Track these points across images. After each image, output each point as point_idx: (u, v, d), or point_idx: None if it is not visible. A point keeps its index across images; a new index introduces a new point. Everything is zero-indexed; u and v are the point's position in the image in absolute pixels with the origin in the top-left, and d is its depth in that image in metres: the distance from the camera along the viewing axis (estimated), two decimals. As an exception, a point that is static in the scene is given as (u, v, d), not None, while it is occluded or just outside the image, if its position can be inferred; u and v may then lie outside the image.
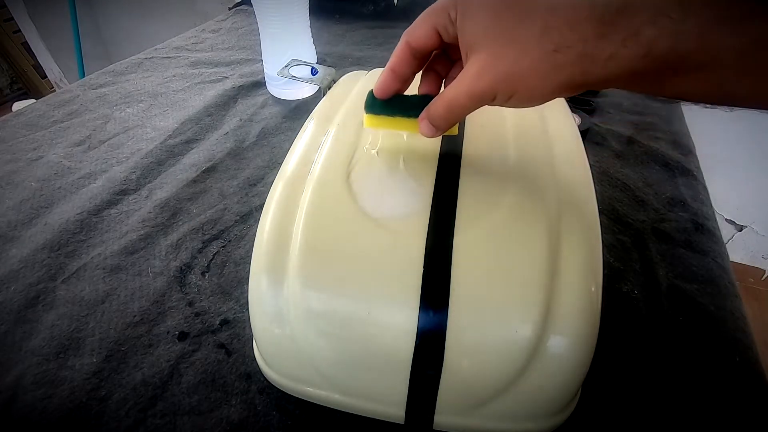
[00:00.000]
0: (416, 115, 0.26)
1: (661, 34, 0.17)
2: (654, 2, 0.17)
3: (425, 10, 0.25)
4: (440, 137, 0.30)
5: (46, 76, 1.89)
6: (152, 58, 0.78)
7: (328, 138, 0.32)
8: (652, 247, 0.41)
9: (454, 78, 0.24)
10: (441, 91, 0.25)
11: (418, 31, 0.24)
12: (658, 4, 0.17)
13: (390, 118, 0.28)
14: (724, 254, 0.41)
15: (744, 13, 0.16)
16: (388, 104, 0.28)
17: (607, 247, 0.40)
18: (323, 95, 0.39)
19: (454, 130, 0.29)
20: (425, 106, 0.26)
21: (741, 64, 0.17)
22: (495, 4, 0.21)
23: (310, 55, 0.66)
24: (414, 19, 0.25)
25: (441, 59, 0.28)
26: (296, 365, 0.26)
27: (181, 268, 0.39)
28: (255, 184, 0.49)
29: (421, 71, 0.28)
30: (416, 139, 0.31)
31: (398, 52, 0.26)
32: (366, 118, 0.29)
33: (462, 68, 0.23)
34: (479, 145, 0.30)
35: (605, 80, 0.20)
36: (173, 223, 0.44)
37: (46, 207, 0.45)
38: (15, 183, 0.48)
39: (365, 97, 0.28)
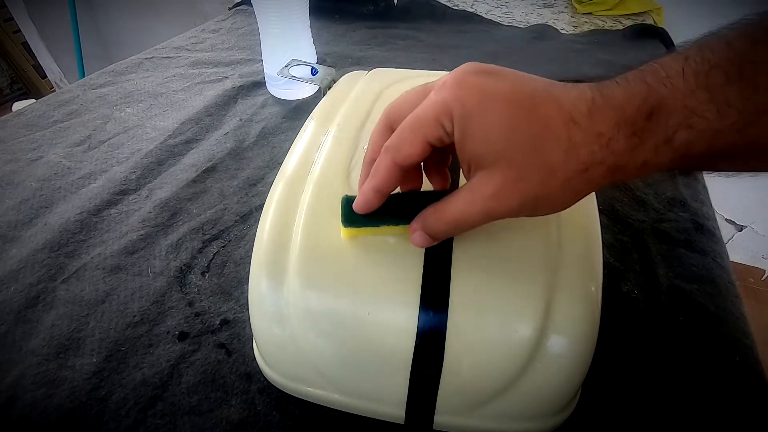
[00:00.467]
0: (406, 222, 0.23)
1: (699, 138, 0.16)
2: (686, 104, 0.16)
3: (408, 121, 0.21)
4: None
5: (46, 76, 1.89)
6: (152, 58, 0.78)
7: (328, 138, 0.32)
8: (652, 247, 0.41)
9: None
10: (438, 203, 0.22)
11: (407, 150, 0.21)
12: (692, 105, 0.16)
13: (374, 228, 0.25)
14: (724, 254, 0.41)
15: None
16: (371, 214, 0.24)
17: (607, 247, 0.40)
18: (323, 95, 0.39)
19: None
20: (413, 207, 0.23)
21: None
22: (504, 118, 0.19)
23: (310, 55, 0.66)
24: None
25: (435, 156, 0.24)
26: (296, 365, 0.26)
27: (181, 268, 0.39)
28: (255, 184, 0.49)
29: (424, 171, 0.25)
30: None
31: (384, 172, 0.22)
32: (343, 230, 0.25)
33: (466, 171, 0.21)
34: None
35: (638, 177, 0.19)
36: (173, 223, 0.44)
37: (46, 207, 0.45)
38: (15, 183, 0.48)
39: (341, 205, 0.25)
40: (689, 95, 0.16)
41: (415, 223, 0.23)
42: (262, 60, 0.66)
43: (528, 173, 0.19)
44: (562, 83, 0.20)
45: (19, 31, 1.77)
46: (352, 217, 0.24)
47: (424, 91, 0.22)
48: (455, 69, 0.21)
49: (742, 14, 0.17)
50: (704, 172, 0.20)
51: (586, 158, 0.18)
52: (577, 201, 0.20)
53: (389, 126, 0.23)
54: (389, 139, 0.22)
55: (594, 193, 0.28)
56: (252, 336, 0.30)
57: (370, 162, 0.24)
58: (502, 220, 0.24)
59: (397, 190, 0.24)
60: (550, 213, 0.21)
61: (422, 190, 0.25)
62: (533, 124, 0.18)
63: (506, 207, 0.20)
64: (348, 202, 0.25)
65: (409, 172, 0.24)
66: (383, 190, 0.23)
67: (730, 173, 0.19)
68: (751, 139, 0.16)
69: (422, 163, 0.25)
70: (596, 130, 0.18)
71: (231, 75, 0.71)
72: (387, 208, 0.24)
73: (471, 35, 0.85)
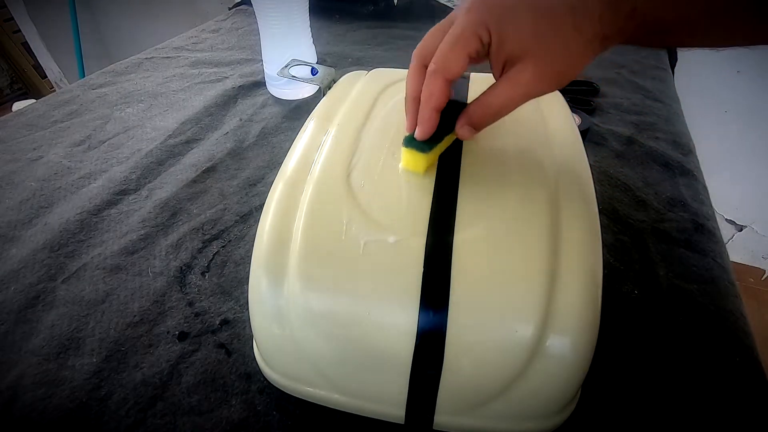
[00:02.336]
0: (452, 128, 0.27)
1: (652, 7, 0.22)
2: None
3: (449, 40, 0.25)
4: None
5: (46, 76, 1.89)
6: (152, 58, 0.78)
7: (328, 138, 0.32)
8: (652, 247, 0.41)
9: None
10: (478, 98, 0.26)
11: (454, 67, 0.25)
12: None
13: (441, 143, 0.28)
14: (724, 254, 0.41)
15: None
16: (432, 139, 0.27)
17: (607, 247, 0.40)
18: (323, 95, 0.39)
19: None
20: (456, 113, 0.27)
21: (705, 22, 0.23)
22: (529, 19, 0.24)
23: (310, 55, 0.66)
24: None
25: None
26: (296, 365, 0.26)
27: (181, 268, 0.39)
28: (255, 184, 0.49)
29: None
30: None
31: (440, 92, 0.26)
32: (423, 160, 0.27)
33: (498, 71, 0.25)
34: (479, 146, 0.30)
35: (615, 44, 0.25)
36: (173, 223, 0.44)
37: (46, 207, 0.45)
38: (15, 183, 0.48)
39: (406, 147, 0.28)
40: None
41: (462, 120, 0.27)
42: (262, 60, 0.66)
43: (553, 57, 0.24)
44: None
45: (19, 31, 1.77)
46: (422, 146, 0.27)
47: (446, 23, 0.26)
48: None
49: None
50: (664, 46, 0.26)
51: (589, 31, 0.23)
52: (582, 68, 0.25)
53: (423, 64, 0.27)
54: (432, 62, 0.25)
55: (594, 193, 0.28)
56: (252, 336, 0.30)
57: (414, 99, 0.28)
58: (501, 219, 0.24)
59: None
60: (567, 81, 0.25)
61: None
62: (550, 20, 0.23)
63: (542, 86, 0.25)
64: (409, 140, 0.28)
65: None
66: (441, 107, 0.26)
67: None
68: (686, 11, 0.22)
69: None
70: (590, 9, 0.23)
71: (231, 75, 0.71)
72: (443, 124, 0.27)
73: (471, 35, 0.85)
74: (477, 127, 0.27)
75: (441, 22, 0.27)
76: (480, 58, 0.25)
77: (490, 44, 0.24)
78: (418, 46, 0.27)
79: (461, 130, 0.27)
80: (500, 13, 0.24)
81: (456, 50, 0.25)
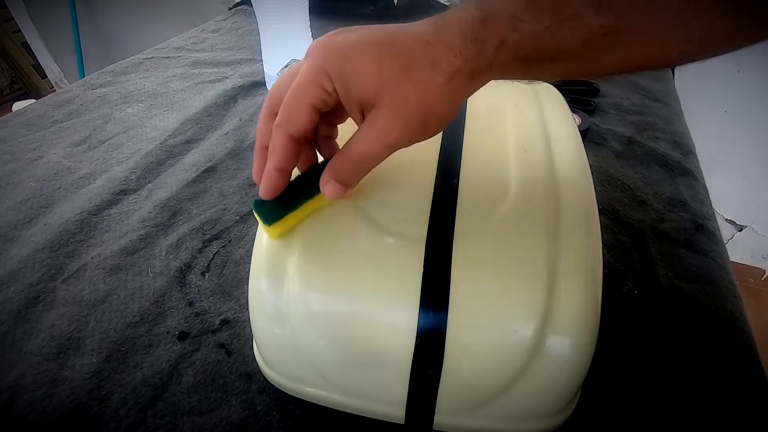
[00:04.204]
0: (319, 191, 0.24)
1: (524, 39, 0.20)
2: (509, 11, 0.20)
3: (291, 93, 0.22)
4: (440, 137, 0.30)
5: (46, 76, 1.89)
6: (152, 58, 0.78)
7: (328, 138, 0.32)
8: (652, 247, 0.41)
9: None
10: (341, 150, 0.23)
11: (296, 120, 0.22)
12: (514, 12, 0.19)
13: (298, 211, 0.25)
14: (724, 254, 0.41)
15: (580, 9, 0.18)
16: (284, 199, 0.24)
17: (607, 247, 0.40)
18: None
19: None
20: (319, 177, 0.24)
21: (585, 51, 0.20)
22: (373, 57, 0.21)
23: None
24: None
25: (325, 123, 0.26)
26: (296, 365, 0.26)
27: (181, 268, 0.39)
28: (255, 184, 0.49)
29: (315, 142, 0.27)
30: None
31: (281, 149, 0.23)
32: (269, 230, 0.25)
33: (358, 118, 0.23)
34: (479, 146, 0.30)
35: (492, 78, 0.22)
36: (173, 223, 0.44)
37: (46, 207, 0.45)
38: (15, 183, 0.48)
39: (254, 211, 0.25)
40: (512, 4, 0.20)
41: (325, 176, 0.24)
42: (262, 60, 0.66)
43: (406, 97, 0.21)
44: (405, 24, 0.23)
45: (19, 31, 1.77)
46: (269, 214, 0.24)
47: (295, 70, 0.23)
48: (313, 42, 0.23)
49: None
50: (543, 76, 0.24)
51: (448, 68, 0.21)
52: (454, 110, 0.23)
53: (272, 111, 0.24)
54: (278, 116, 0.23)
55: (594, 193, 0.28)
56: (252, 336, 0.30)
57: (261, 149, 0.25)
58: (501, 219, 0.24)
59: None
60: (439, 128, 0.23)
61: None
62: (397, 57, 0.21)
63: (399, 133, 0.22)
64: (258, 203, 0.24)
65: (304, 149, 0.26)
66: (285, 167, 0.24)
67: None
68: (561, 41, 0.19)
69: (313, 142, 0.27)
70: (447, 43, 0.21)
71: (231, 75, 0.71)
72: (295, 190, 0.25)
73: (471, 35, 0.85)
74: (344, 183, 0.24)
75: (290, 68, 0.24)
76: (333, 107, 0.23)
77: (336, 92, 0.22)
78: (269, 93, 0.25)
79: (325, 187, 0.24)
80: (341, 55, 0.22)
81: (298, 103, 0.22)
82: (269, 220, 0.24)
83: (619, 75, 0.23)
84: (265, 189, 0.24)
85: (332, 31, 0.23)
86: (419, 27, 0.22)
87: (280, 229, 0.25)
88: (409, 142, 0.23)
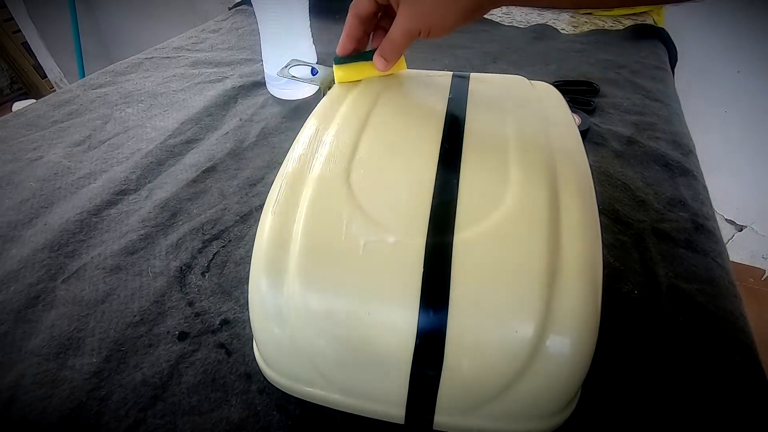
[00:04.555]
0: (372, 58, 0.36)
1: None
2: None
3: None
4: (441, 135, 0.30)
5: (46, 76, 1.89)
6: (152, 58, 0.78)
7: (328, 138, 0.32)
8: (652, 247, 0.41)
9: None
10: (385, 36, 0.34)
11: (361, 4, 0.34)
12: None
13: (355, 64, 0.37)
14: (724, 254, 0.41)
15: None
16: (351, 58, 0.37)
17: (607, 247, 0.40)
18: (323, 95, 0.39)
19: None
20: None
21: None
22: None
23: (310, 55, 0.66)
24: None
25: (385, 19, 0.37)
26: (296, 365, 0.26)
27: (181, 268, 0.39)
28: (255, 184, 0.49)
29: (373, 33, 0.38)
30: (416, 138, 0.31)
31: (349, 22, 0.35)
32: (336, 70, 0.37)
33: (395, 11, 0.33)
34: (479, 145, 0.30)
35: (494, 6, 0.32)
36: (173, 223, 0.44)
37: (46, 207, 0.45)
38: (15, 183, 0.48)
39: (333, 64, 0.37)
40: None
41: (376, 52, 0.36)
42: (262, 60, 0.66)
43: (420, 3, 0.31)
44: None
45: (19, 31, 1.77)
46: (339, 60, 0.37)
47: None
48: None
49: (741, 14, 0.18)
50: (551, 2, 0.32)
51: None
52: (454, 20, 0.31)
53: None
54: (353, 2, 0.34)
55: (594, 193, 0.28)
56: (252, 336, 0.30)
57: (345, 34, 0.37)
58: (501, 219, 0.24)
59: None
60: (443, 33, 0.32)
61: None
62: None
63: (411, 24, 0.32)
64: (336, 59, 0.37)
65: (377, 33, 0.38)
66: (352, 34, 0.36)
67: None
68: None
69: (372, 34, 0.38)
70: None
71: (231, 75, 0.71)
72: (362, 55, 0.37)
73: (471, 35, 0.85)
74: (386, 58, 0.35)
75: None
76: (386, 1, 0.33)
77: None
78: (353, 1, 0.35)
79: (376, 60, 0.36)
80: None
81: None
82: (338, 62, 0.37)
83: (628, 5, 0.29)
84: (339, 48, 0.37)
85: None
86: None
87: (344, 73, 0.37)
88: (420, 36, 0.32)
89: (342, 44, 0.36)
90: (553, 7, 0.39)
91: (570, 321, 0.22)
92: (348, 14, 0.35)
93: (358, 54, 0.37)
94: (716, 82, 1.04)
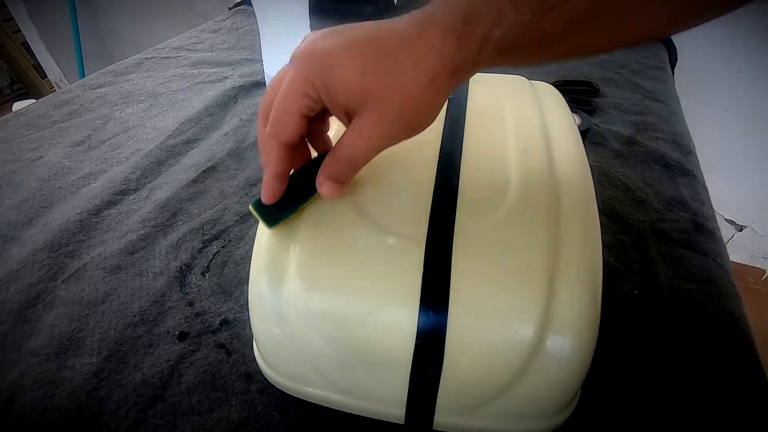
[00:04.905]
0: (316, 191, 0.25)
1: (508, 33, 0.20)
2: (492, 7, 0.19)
3: (278, 103, 0.23)
4: (440, 137, 0.30)
5: (46, 76, 1.89)
6: (152, 58, 0.78)
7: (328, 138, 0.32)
8: (652, 247, 0.41)
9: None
10: (332, 151, 0.24)
11: (287, 129, 0.23)
12: (498, 6, 0.19)
13: (298, 212, 0.26)
14: (724, 254, 0.41)
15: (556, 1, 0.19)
16: (283, 201, 0.25)
17: (607, 247, 0.40)
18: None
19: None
20: (314, 174, 0.25)
21: (569, 35, 0.20)
22: (355, 62, 0.21)
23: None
24: None
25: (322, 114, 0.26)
26: (296, 365, 0.26)
27: (181, 268, 0.39)
28: (255, 184, 0.49)
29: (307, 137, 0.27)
30: (416, 138, 0.31)
31: (276, 157, 0.24)
32: (264, 222, 0.25)
33: (345, 122, 0.24)
34: (479, 146, 0.30)
35: (475, 72, 0.23)
36: (173, 223, 0.44)
37: (46, 207, 0.45)
38: (15, 183, 0.48)
39: (254, 212, 0.25)
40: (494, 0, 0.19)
41: (320, 177, 0.25)
42: (262, 60, 0.66)
43: (388, 100, 0.22)
44: (391, 19, 0.23)
45: (19, 31, 1.77)
46: (270, 215, 0.25)
47: (281, 76, 0.24)
48: (298, 47, 0.23)
49: (742, 14, 0.18)
50: (524, 64, 0.24)
51: (430, 70, 0.21)
52: (438, 109, 0.23)
53: (266, 117, 0.24)
54: (268, 125, 0.24)
55: (594, 193, 0.28)
56: (252, 336, 0.30)
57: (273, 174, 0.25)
58: (501, 219, 0.24)
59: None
60: (424, 127, 0.24)
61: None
62: (380, 59, 0.21)
63: (382, 136, 0.23)
64: (258, 204, 0.25)
65: (298, 149, 0.26)
66: (281, 172, 0.24)
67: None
68: (543, 31, 0.19)
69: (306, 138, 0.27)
70: (429, 43, 0.21)
71: (231, 75, 0.71)
72: (294, 191, 0.26)
73: (471, 35, 0.85)
74: (338, 182, 0.25)
75: (278, 73, 0.24)
76: (321, 110, 0.23)
77: (321, 99, 0.22)
78: (262, 99, 0.25)
79: (321, 187, 0.25)
80: (323, 63, 0.21)
81: (286, 112, 0.23)
82: (271, 223, 0.25)
83: (605, 52, 0.24)
84: (266, 196, 0.25)
85: (315, 34, 0.23)
86: (402, 25, 0.22)
87: (276, 228, 0.26)
88: (396, 142, 0.24)
89: (273, 189, 0.25)
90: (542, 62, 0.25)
91: (570, 321, 0.22)
92: (270, 147, 0.24)
93: (290, 187, 0.25)
94: (716, 82, 1.04)
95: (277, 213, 0.25)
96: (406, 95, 0.21)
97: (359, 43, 0.21)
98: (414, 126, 0.23)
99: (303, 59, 0.22)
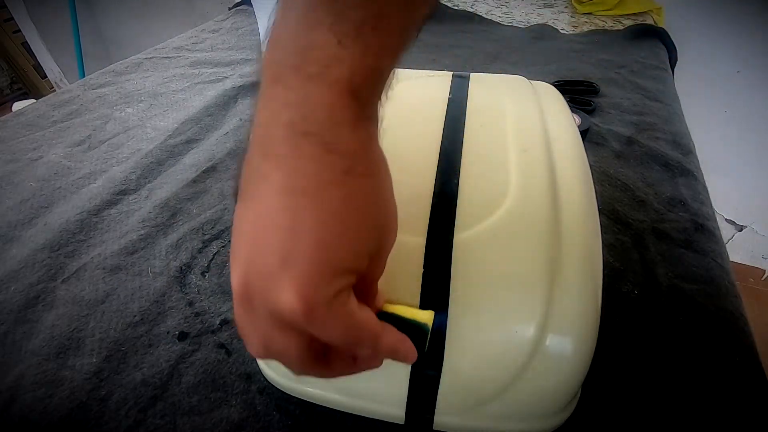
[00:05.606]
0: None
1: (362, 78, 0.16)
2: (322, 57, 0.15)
3: (327, 325, 0.17)
4: (441, 136, 0.30)
5: (46, 76, 1.89)
6: (152, 58, 0.78)
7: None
8: (652, 247, 0.41)
9: None
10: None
11: (369, 331, 0.18)
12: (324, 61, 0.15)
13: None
14: (724, 254, 0.41)
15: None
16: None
17: (607, 247, 0.40)
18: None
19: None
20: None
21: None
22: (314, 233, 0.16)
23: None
24: None
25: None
26: (296, 365, 0.26)
27: (181, 268, 0.39)
28: (255, 184, 0.49)
29: None
30: (416, 138, 0.31)
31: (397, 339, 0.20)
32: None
33: None
34: (479, 146, 0.30)
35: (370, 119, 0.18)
36: (173, 223, 0.43)
37: (46, 207, 0.45)
38: (15, 183, 0.48)
39: None
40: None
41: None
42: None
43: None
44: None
45: (19, 31, 1.77)
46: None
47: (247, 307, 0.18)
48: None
49: (742, 14, 0.17)
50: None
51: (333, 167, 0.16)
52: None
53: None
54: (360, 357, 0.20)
55: (594, 193, 0.28)
56: (252, 336, 0.30)
57: None
58: (501, 219, 0.24)
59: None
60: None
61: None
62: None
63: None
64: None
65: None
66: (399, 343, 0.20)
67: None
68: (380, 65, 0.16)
69: None
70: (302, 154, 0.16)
71: (231, 75, 0.71)
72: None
73: (471, 35, 0.85)
74: None
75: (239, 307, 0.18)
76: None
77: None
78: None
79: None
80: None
81: (355, 325, 0.17)
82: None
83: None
84: (411, 357, 0.20)
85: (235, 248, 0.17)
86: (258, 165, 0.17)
87: None
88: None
89: (409, 353, 0.20)
90: None
91: (570, 321, 0.22)
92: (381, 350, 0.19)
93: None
94: (716, 82, 1.04)
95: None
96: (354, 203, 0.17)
97: (299, 215, 0.16)
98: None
99: (282, 275, 0.16)
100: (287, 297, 0.15)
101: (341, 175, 0.16)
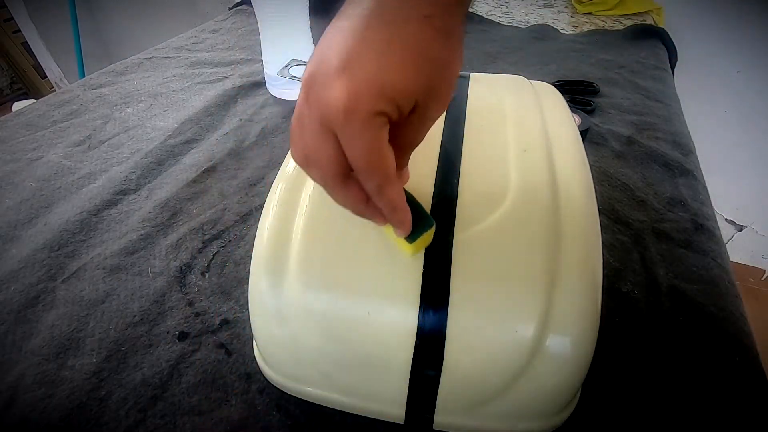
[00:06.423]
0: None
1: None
2: None
3: (356, 144, 0.19)
4: (441, 135, 0.30)
5: (46, 76, 1.89)
6: (152, 58, 0.78)
7: (328, 138, 0.32)
8: (652, 247, 0.41)
9: None
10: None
11: (391, 165, 0.20)
12: None
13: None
14: (724, 254, 0.41)
15: None
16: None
17: (607, 247, 0.40)
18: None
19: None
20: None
21: None
22: (390, 55, 0.19)
23: (310, 55, 0.66)
24: None
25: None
26: (296, 365, 0.26)
27: (181, 268, 0.39)
28: (255, 184, 0.49)
29: None
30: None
31: (401, 198, 0.22)
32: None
33: None
34: (479, 146, 0.30)
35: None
36: (173, 223, 0.44)
37: (46, 207, 0.45)
38: (15, 183, 0.48)
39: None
40: None
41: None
42: (262, 60, 0.66)
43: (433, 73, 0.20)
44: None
45: (19, 31, 1.77)
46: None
47: (303, 112, 0.21)
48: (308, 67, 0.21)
49: (742, 14, 0.17)
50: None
51: (439, 23, 0.19)
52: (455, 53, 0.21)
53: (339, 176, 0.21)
54: (368, 181, 0.20)
55: (594, 193, 0.28)
56: (252, 336, 0.30)
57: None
58: (501, 219, 0.24)
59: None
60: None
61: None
62: (394, 41, 0.19)
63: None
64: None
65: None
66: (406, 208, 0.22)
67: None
68: None
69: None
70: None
71: (231, 75, 0.71)
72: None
73: (471, 35, 0.85)
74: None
75: (297, 111, 0.21)
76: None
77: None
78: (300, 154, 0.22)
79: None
80: (367, 66, 0.19)
81: (377, 150, 0.19)
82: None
83: None
84: (406, 230, 0.22)
85: (320, 49, 0.20)
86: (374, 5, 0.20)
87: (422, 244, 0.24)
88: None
89: (407, 223, 0.22)
90: None
91: (570, 321, 0.22)
92: (381, 198, 0.21)
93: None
94: (716, 82, 1.04)
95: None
96: (428, 52, 0.19)
97: (375, 35, 0.19)
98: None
99: (340, 76, 0.18)
100: (336, 93, 0.18)
101: (424, 20, 0.19)
